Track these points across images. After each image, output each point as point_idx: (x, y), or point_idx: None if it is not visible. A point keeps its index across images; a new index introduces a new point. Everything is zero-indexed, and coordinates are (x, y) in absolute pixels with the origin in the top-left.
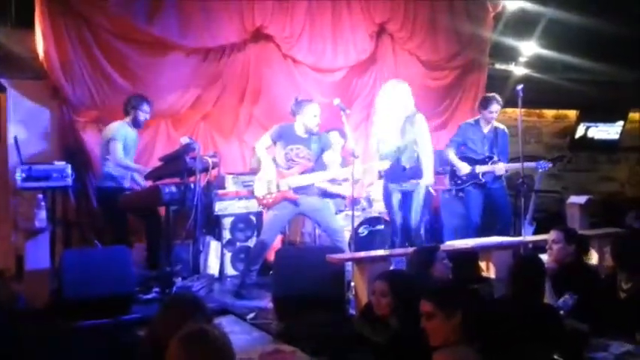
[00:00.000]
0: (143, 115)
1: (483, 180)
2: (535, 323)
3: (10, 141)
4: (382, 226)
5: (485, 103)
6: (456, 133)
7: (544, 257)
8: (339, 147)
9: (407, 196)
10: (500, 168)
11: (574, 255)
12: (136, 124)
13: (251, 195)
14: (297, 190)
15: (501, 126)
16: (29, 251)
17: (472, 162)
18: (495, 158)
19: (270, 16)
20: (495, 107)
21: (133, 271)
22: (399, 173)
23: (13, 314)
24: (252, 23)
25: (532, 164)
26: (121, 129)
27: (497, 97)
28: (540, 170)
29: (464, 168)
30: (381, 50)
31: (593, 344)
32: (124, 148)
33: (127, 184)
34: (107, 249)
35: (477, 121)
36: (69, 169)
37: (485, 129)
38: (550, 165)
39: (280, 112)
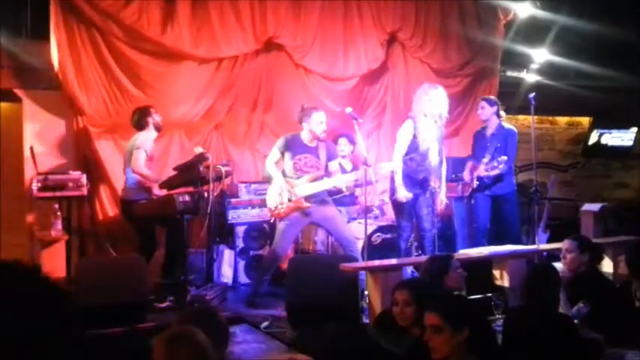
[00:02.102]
0: (158, 118)
1: (474, 186)
2: (550, 333)
3: (26, 151)
4: (395, 234)
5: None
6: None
7: (558, 266)
8: (348, 152)
9: (418, 199)
10: (480, 170)
11: (588, 264)
12: (158, 129)
13: (264, 204)
14: (309, 198)
15: (509, 126)
16: (45, 260)
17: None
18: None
19: (281, 26)
20: (481, 103)
21: (147, 279)
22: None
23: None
24: (264, 33)
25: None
26: (147, 139)
27: (486, 97)
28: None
29: (465, 176)
30: (392, 59)
31: (608, 354)
32: (150, 159)
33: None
34: (122, 258)
35: (484, 127)
36: (84, 179)
37: (488, 132)
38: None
39: (292, 120)
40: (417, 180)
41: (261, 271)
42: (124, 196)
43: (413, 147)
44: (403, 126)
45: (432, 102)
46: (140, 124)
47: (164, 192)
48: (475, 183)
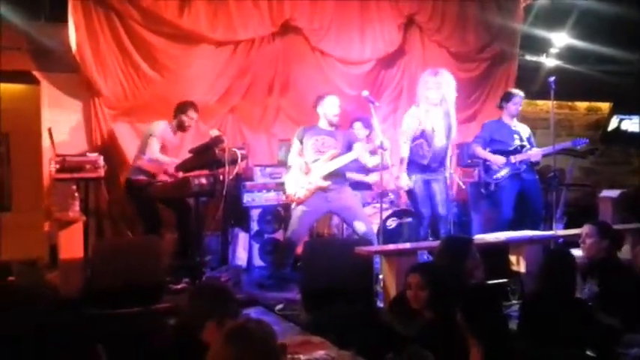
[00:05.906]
0: (188, 121)
1: (522, 168)
2: (566, 318)
3: (44, 133)
4: (410, 219)
5: (507, 97)
6: (480, 131)
7: (576, 252)
8: (363, 136)
9: (432, 185)
10: (537, 153)
11: (607, 250)
12: (180, 127)
13: (279, 187)
14: (328, 177)
15: (523, 125)
16: (63, 241)
17: (505, 154)
18: (528, 146)
19: (298, 9)
20: (518, 99)
21: (163, 260)
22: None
23: (46, 302)
24: (281, 16)
25: (567, 144)
26: (163, 128)
27: (517, 89)
28: (578, 147)
29: (499, 160)
30: (410, 42)
31: (626, 340)
32: (162, 147)
33: (158, 177)
34: (138, 239)
35: (500, 119)
36: (101, 161)
37: (511, 123)
38: (586, 141)
39: (308, 104)
40: (425, 165)
41: (279, 262)
42: (128, 177)
43: (419, 133)
44: (408, 112)
45: (431, 90)
46: (174, 114)
47: (180, 174)
48: (522, 167)
